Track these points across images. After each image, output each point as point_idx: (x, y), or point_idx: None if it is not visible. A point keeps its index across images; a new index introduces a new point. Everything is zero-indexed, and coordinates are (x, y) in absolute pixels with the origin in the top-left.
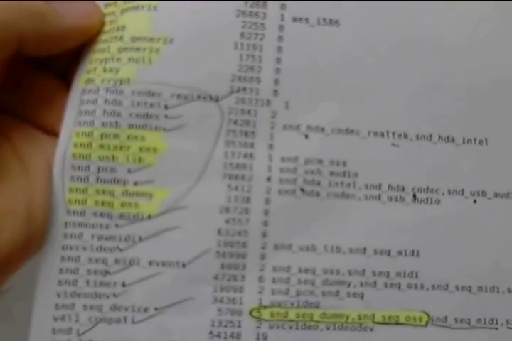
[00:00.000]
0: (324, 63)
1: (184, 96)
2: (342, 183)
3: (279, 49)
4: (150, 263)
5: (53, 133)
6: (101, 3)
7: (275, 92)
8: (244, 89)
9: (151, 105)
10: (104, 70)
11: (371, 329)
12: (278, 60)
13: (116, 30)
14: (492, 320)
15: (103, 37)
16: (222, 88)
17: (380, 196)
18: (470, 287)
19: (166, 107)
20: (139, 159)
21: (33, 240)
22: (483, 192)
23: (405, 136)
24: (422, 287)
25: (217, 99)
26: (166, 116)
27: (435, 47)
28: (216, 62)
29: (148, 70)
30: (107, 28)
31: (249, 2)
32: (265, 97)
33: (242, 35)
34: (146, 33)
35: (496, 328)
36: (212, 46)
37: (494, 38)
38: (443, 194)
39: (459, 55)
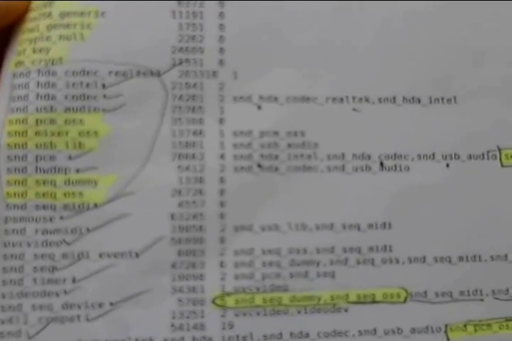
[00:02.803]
0: (272, 26)
1: (122, 72)
2: (302, 155)
3: (221, 15)
4: (100, 255)
5: None
6: None
7: (221, 62)
8: (187, 60)
9: (88, 85)
10: (34, 51)
11: (346, 310)
12: (221, 27)
13: (44, 6)
14: (476, 291)
15: (31, 15)
16: (163, 61)
17: (344, 166)
18: (449, 257)
19: (103, 86)
20: (80, 144)
21: None
22: (455, 154)
23: (367, 99)
24: (397, 261)
25: (158, 74)
26: (104, 96)
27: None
28: (154, 34)
29: (81, 48)
30: (34, 4)
31: None
32: (211, 68)
33: (179, 2)
34: (76, 8)
35: (482, 300)
36: (148, 16)
37: None
38: (412, 160)
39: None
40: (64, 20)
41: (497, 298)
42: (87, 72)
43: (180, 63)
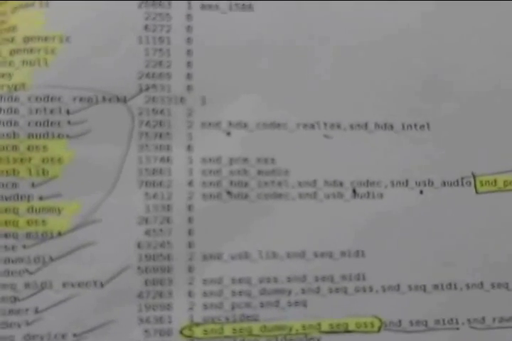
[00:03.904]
0: (241, 52)
1: (87, 98)
2: (272, 182)
3: (189, 40)
4: (64, 285)
5: None
6: None
7: (189, 88)
8: (154, 86)
9: (51, 111)
10: None
11: (318, 340)
12: (189, 53)
13: (7, 31)
14: (452, 320)
15: None
16: (130, 87)
17: (315, 193)
18: (424, 286)
19: (68, 112)
20: (43, 171)
21: None
22: (429, 181)
23: (338, 126)
24: (370, 290)
25: (124, 100)
26: (68, 122)
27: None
28: (120, 59)
29: (45, 73)
30: None
31: None
32: (178, 94)
33: (146, 27)
34: (40, 32)
35: (457, 328)
36: (114, 42)
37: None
38: (385, 187)
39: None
40: (27, 45)
41: (473, 327)
42: (51, 98)
43: (147, 89)
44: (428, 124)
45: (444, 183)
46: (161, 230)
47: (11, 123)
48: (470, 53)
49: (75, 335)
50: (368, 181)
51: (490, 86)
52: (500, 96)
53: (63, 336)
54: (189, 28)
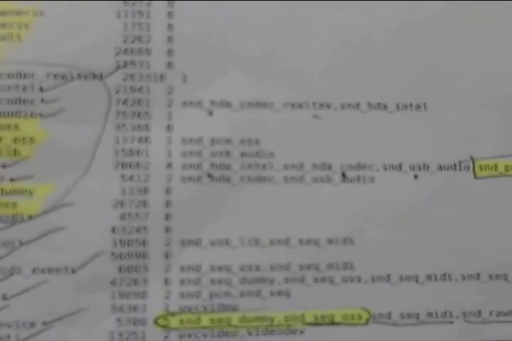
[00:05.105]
0: (226, 28)
1: (62, 75)
2: (256, 165)
3: (170, 14)
4: (34, 270)
5: None
6: None
7: (169, 64)
8: (133, 63)
9: (24, 88)
10: None
11: (301, 332)
12: (170, 27)
13: None
14: (445, 312)
15: None
16: (107, 63)
17: (302, 177)
18: (416, 276)
19: (41, 90)
20: (14, 151)
21: None
22: (425, 165)
23: (328, 105)
24: (359, 279)
25: (101, 77)
26: (42, 100)
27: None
28: (96, 34)
29: (18, 48)
30: None
31: None
32: (158, 71)
33: (125, 2)
34: (13, 6)
35: (451, 322)
36: (91, 16)
37: None
38: (377, 170)
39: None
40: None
41: (468, 321)
42: (24, 75)
43: (125, 65)
44: (424, 104)
45: (440, 167)
46: (136, 214)
47: None
48: (473, 35)
49: (44, 323)
50: (358, 164)
51: (491, 65)
52: (501, 76)
53: (32, 324)
54: (171, 3)
